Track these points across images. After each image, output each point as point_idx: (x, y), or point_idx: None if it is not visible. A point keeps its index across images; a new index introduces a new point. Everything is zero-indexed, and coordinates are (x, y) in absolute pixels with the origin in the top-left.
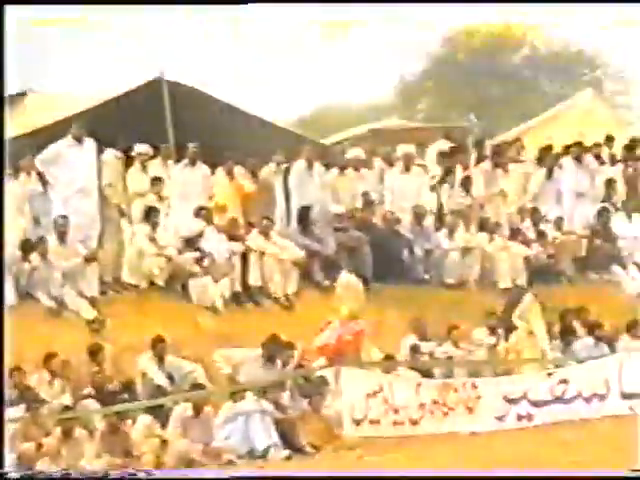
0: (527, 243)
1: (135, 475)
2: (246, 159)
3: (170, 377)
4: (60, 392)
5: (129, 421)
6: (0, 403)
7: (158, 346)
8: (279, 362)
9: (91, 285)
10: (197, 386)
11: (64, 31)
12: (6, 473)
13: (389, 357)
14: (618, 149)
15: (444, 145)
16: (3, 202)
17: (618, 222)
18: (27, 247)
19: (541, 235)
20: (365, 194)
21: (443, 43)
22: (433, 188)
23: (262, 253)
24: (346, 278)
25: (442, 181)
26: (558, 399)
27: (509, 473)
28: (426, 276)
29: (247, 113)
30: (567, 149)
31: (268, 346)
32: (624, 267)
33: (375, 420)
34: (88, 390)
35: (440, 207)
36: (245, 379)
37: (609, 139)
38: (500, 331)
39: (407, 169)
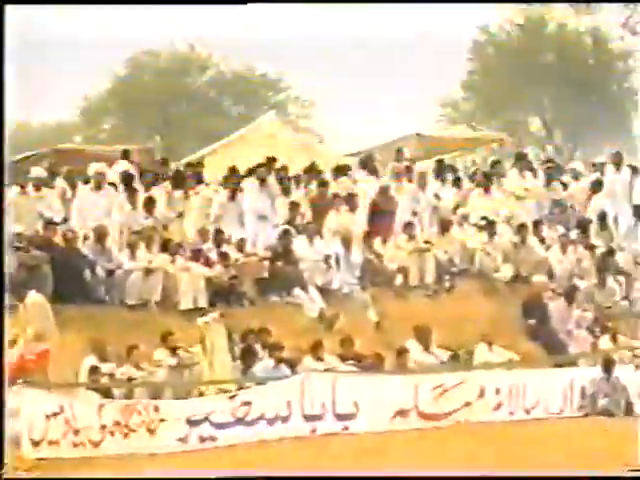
0: (209, 264)
1: None
2: None
3: None
4: None
5: None
6: (0, 403)
7: None
8: None
9: None
10: None
11: None
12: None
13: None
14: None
15: (125, 166)
16: (3, 202)
17: (300, 245)
18: None
19: (223, 256)
20: (44, 213)
21: (127, 63)
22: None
23: None
24: (33, 298)
25: (125, 201)
26: (240, 421)
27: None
28: (107, 297)
29: None
30: (250, 171)
31: None
32: (305, 289)
33: (54, 441)
34: None
35: (123, 227)
36: None
37: (293, 162)
38: (181, 352)
39: (98, 187)
